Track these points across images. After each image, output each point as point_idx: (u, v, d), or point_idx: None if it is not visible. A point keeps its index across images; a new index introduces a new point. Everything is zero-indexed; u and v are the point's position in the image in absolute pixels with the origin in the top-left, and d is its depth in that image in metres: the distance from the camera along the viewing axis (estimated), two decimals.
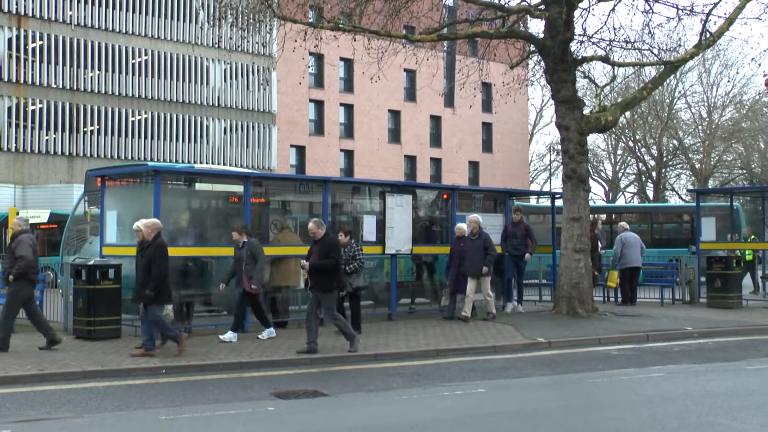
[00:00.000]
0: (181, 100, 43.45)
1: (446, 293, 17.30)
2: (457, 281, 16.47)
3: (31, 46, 39.52)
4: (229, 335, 13.47)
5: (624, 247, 20.12)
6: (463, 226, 16.57)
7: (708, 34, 19.76)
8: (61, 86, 40.09)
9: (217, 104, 44.80)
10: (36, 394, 9.67)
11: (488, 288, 16.48)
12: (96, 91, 41.00)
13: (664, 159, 58.96)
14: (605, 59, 19.95)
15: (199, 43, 43.02)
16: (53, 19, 39.87)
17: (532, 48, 20.59)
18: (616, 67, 21.47)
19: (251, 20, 18.38)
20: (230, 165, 42.35)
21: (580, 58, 19.37)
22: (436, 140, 55.17)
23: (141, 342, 12.17)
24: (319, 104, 49.95)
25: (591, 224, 18.97)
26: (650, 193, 59.69)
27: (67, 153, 40.45)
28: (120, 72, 41.59)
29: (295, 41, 18.61)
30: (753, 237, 23.33)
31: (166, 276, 12.13)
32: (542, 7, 18.58)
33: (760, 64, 42.41)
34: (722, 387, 10.19)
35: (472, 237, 16.29)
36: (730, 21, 19.40)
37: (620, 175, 65.04)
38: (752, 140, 58.25)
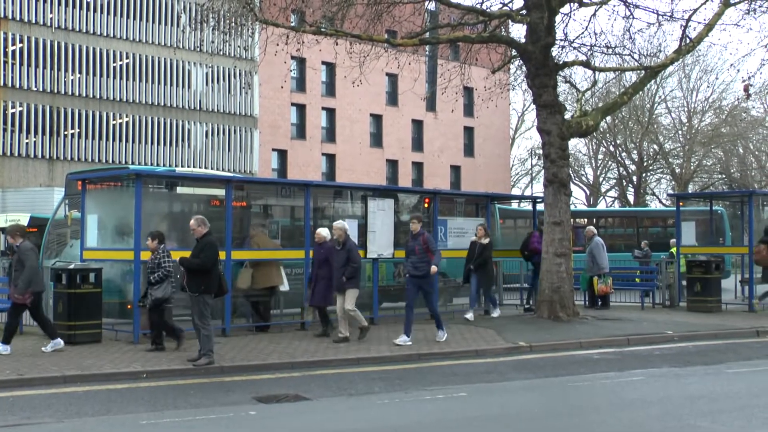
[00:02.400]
0: (162, 104, 43.29)
1: (308, 306, 15.48)
2: (314, 293, 14.53)
3: (11, 48, 39.25)
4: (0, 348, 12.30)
5: (601, 251, 20.16)
6: (322, 232, 14.65)
7: (688, 40, 19.92)
8: (41, 89, 39.83)
9: (198, 108, 44.67)
10: (16, 399, 9.59)
11: (349, 303, 14.10)
12: (77, 94, 40.78)
13: (645, 163, 59.34)
14: (586, 64, 20.06)
15: (181, 46, 42.92)
16: (34, 21, 39.62)
17: (514, 53, 20.67)
18: (597, 72, 21.56)
19: (233, 24, 18.34)
20: (212, 168, 42.24)
21: (561, 62, 19.46)
22: (417, 144, 55.27)
23: None
24: (300, 108, 49.91)
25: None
26: (631, 198, 60.05)
27: (48, 156, 40.20)
28: (101, 75, 41.39)
29: (277, 45, 18.59)
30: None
31: None
32: (524, 11, 18.67)
33: (738, 70, 42.87)
34: (702, 390, 10.25)
35: (338, 247, 14.27)
36: (709, 27, 19.58)
37: (601, 179, 65.41)
38: (731, 145, 58.76)
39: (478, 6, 19.89)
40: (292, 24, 21.22)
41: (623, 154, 60.48)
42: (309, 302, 14.95)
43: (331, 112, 51.19)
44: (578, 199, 65.13)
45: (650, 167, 60.32)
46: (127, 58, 42.24)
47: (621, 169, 61.41)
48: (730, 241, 27.59)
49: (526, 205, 29.62)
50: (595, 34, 29.17)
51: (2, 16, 38.87)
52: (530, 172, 63.69)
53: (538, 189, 62.16)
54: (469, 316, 17.29)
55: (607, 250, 20.73)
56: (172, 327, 13.08)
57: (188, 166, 41.94)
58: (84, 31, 40.99)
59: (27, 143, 39.78)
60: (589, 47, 20.48)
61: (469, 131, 57.84)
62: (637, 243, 29.35)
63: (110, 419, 8.63)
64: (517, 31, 24.73)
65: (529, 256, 19.47)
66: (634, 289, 22.36)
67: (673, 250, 23.04)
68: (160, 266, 12.78)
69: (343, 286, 14.12)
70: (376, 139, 53.32)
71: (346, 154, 51.40)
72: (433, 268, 13.92)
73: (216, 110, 45.20)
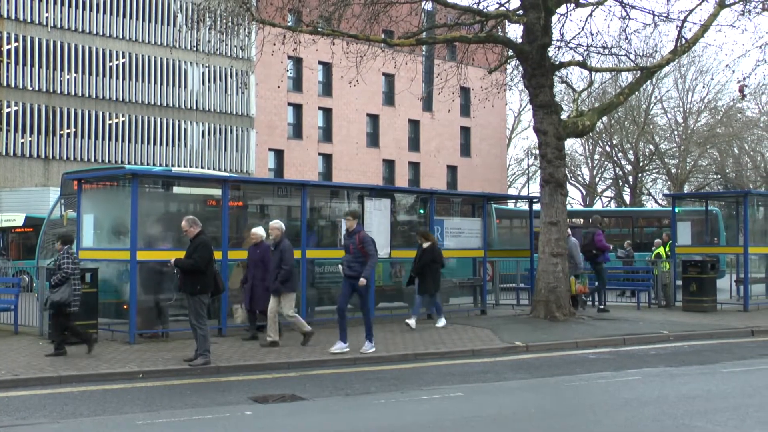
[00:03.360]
0: (158, 103, 43.26)
1: (242, 308, 14.76)
2: (251, 296, 14.01)
3: (6, 47, 39.19)
4: None
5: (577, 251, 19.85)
6: (258, 231, 14.12)
7: (683, 41, 19.95)
8: (37, 88, 39.80)
9: (195, 107, 44.65)
10: (11, 399, 9.58)
11: (287, 308, 13.38)
12: (72, 93, 40.74)
13: (641, 164, 59.44)
14: (582, 64, 20.08)
15: (177, 45, 42.88)
16: (29, 20, 39.57)
17: (510, 53, 20.68)
18: (593, 73, 21.59)
19: (230, 23, 18.33)
20: (208, 168, 42.23)
21: (557, 63, 19.49)
22: (414, 144, 55.28)
23: None
24: (297, 108, 49.91)
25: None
26: (627, 198, 60.13)
27: (43, 156, 40.16)
28: (97, 74, 41.37)
29: (274, 45, 18.58)
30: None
31: None
32: (520, 12, 18.68)
33: (734, 71, 42.76)
34: (698, 390, 10.27)
35: (272, 247, 13.62)
36: (704, 28, 19.62)
37: (597, 179, 65.46)
38: (727, 146, 58.89)
39: (475, 6, 19.90)
40: (289, 24, 21.24)
41: (619, 154, 60.57)
42: (245, 305, 14.31)
43: (327, 112, 51.19)
44: (574, 199, 65.21)
45: (646, 167, 60.42)
46: (123, 57, 42.21)
47: (617, 169, 61.51)
48: (724, 241, 27.65)
49: (523, 205, 29.68)
50: (592, 34, 28.94)
51: None
52: (527, 172, 63.78)
53: (535, 189, 62.30)
54: (411, 322, 15.80)
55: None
56: (78, 331, 12.54)
57: (185, 166, 41.94)
58: (80, 30, 40.95)
59: (23, 143, 39.74)
60: (585, 47, 20.52)
61: (465, 131, 57.88)
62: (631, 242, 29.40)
63: (106, 420, 8.62)
64: (514, 32, 24.77)
65: (596, 255, 19.46)
66: (629, 288, 22.44)
67: (658, 250, 23.15)
68: (60, 268, 12.31)
69: (278, 289, 13.34)
70: (373, 139, 53.33)
71: (342, 154, 51.41)
72: (361, 281, 12.73)
73: (212, 110, 45.18)
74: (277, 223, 13.78)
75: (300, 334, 13.64)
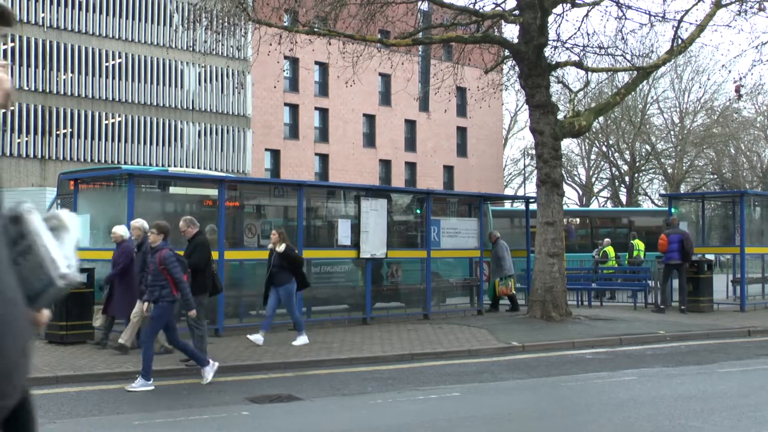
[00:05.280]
0: (155, 104, 43.21)
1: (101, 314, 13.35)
2: (109, 299, 12.89)
3: (2, 47, 39.11)
4: None
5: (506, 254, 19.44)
6: (119, 230, 12.84)
7: (680, 41, 19.99)
8: (33, 89, 39.72)
9: (191, 108, 44.60)
10: None
11: (138, 312, 11.95)
12: (69, 93, 40.67)
13: (637, 164, 59.52)
14: (579, 65, 20.10)
15: (173, 46, 42.83)
16: (25, 21, 39.50)
17: (507, 53, 20.70)
18: (589, 73, 21.61)
19: (226, 23, 18.33)
20: (204, 168, 42.18)
21: (554, 63, 19.50)
22: (410, 144, 55.28)
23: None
24: (293, 108, 49.88)
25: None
26: (623, 198, 60.21)
27: (40, 156, 40.09)
28: (93, 75, 41.29)
29: (270, 45, 18.59)
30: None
31: None
32: (517, 12, 18.70)
33: (730, 71, 42.62)
34: (694, 390, 10.28)
35: (135, 249, 12.52)
36: (701, 28, 19.65)
37: (594, 179, 65.54)
38: (723, 146, 58.99)
39: (471, 6, 19.92)
40: (285, 24, 21.23)
41: (616, 154, 60.67)
42: (105, 310, 13.07)
43: (324, 112, 51.17)
44: (571, 199, 65.27)
45: (642, 167, 60.50)
46: (119, 57, 42.15)
47: (613, 169, 61.59)
48: None
49: (519, 205, 29.68)
50: (588, 34, 29.28)
51: None
52: (523, 172, 63.76)
53: (531, 189, 62.28)
54: (255, 338, 13.37)
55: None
56: None
57: (181, 166, 41.88)
58: (76, 30, 40.89)
59: (19, 143, 39.66)
60: (581, 48, 20.55)
61: (462, 131, 57.89)
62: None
63: (102, 420, 8.61)
64: (510, 32, 24.77)
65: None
66: (625, 288, 22.48)
67: (606, 249, 23.47)
68: None
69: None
70: (369, 139, 53.32)
71: (339, 154, 51.39)
72: (192, 312, 10.72)
73: (209, 110, 45.13)
74: (138, 222, 12.47)
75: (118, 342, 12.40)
